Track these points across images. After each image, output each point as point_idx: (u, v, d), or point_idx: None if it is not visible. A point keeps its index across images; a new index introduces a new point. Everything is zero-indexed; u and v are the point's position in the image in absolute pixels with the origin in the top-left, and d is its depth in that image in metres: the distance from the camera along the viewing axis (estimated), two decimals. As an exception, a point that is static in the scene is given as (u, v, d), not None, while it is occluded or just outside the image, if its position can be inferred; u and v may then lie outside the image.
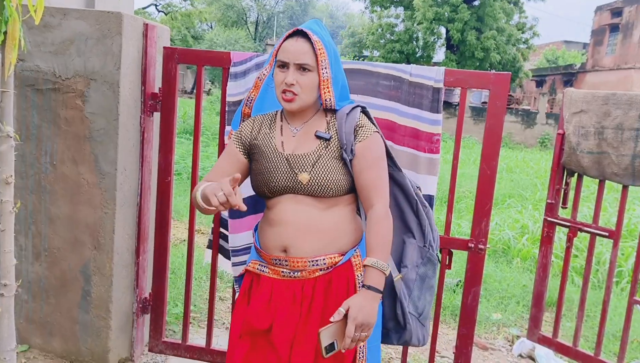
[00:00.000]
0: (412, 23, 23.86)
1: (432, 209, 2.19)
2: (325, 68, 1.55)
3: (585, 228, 2.84)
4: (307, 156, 1.58)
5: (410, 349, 3.05)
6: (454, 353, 2.36)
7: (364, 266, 1.51)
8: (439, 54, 25.72)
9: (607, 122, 2.65)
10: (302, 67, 1.54)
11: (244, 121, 1.79)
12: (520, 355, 3.18)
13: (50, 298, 2.48)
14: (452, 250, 2.29)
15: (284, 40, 1.57)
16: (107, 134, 2.30)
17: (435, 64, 25.23)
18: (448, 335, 3.38)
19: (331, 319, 1.42)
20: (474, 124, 20.82)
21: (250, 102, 1.73)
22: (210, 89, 26.32)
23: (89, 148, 2.32)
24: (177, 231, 4.95)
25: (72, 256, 2.42)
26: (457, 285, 4.15)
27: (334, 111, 1.64)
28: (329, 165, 1.57)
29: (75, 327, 2.47)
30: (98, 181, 2.34)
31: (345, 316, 1.43)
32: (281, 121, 1.67)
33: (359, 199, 1.65)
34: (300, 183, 1.56)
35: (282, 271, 1.60)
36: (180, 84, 2.43)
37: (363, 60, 26.15)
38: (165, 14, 26.83)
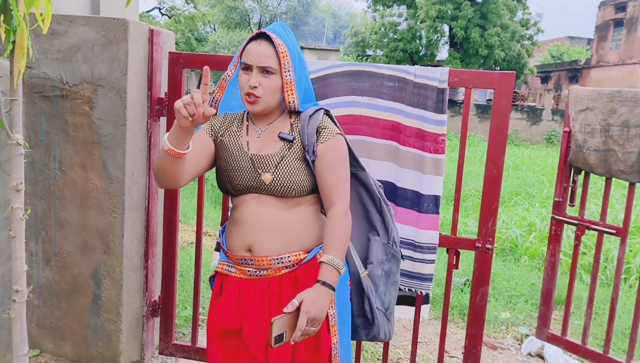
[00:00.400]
0: (415, 21, 23.79)
1: (438, 209, 2.19)
2: (289, 71, 1.57)
3: (593, 226, 2.83)
4: (270, 157, 1.60)
5: (419, 349, 3.05)
6: (462, 353, 2.36)
7: (320, 262, 1.53)
8: (443, 52, 25.65)
9: (612, 120, 2.64)
10: (265, 70, 1.55)
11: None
12: (530, 354, 3.18)
13: (61, 302, 2.50)
14: (459, 249, 2.29)
15: (248, 43, 1.59)
16: (115, 139, 2.32)
17: (439, 62, 25.16)
18: (456, 335, 3.38)
19: (284, 310, 1.44)
20: (479, 121, 20.75)
21: (215, 103, 1.74)
22: (214, 91, 26.30)
23: (97, 153, 2.34)
24: (185, 234, 4.97)
25: (82, 260, 2.44)
26: (464, 285, 4.15)
27: (298, 113, 1.66)
28: (292, 166, 1.59)
29: (86, 330, 2.49)
30: (107, 185, 2.36)
31: (298, 309, 1.45)
32: (247, 121, 1.69)
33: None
34: (264, 183, 1.59)
35: (249, 271, 1.62)
36: (184, 87, 2.45)
37: (366, 59, 26.13)
38: (169, 17, 26.89)
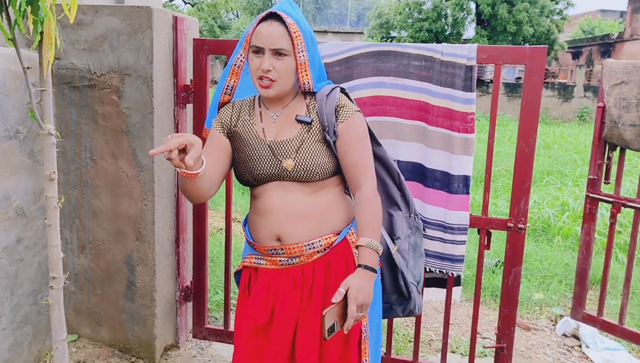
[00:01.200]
0: (440, 0, 23.33)
1: (468, 190, 2.16)
2: (302, 51, 1.50)
3: (629, 203, 2.76)
4: (289, 142, 1.54)
5: (451, 331, 3.03)
6: (495, 334, 2.34)
7: (358, 246, 1.50)
8: (469, 31, 25.11)
9: (650, 93, 2.55)
10: (278, 52, 1.48)
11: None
12: (565, 335, 3.12)
13: (96, 289, 2.56)
14: (490, 230, 2.25)
15: (258, 24, 1.51)
16: (143, 127, 2.34)
17: (466, 41, 24.66)
18: (488, 316, 3.35)
19: (333, 300, 1.40)
20: (508, 101, 20.32)
21: (230, 90, 1.68)
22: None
23: (127, 141, 2.37)
24: (214, 220, 5.02)
25: (116, 247, 2.48)
26: (496, 266, 4.10)
27: (312, 93, 1.60)
28: (312, 149, 1.54)
29: (121, 316, 2.55)
30: (137, 173, 2.39)
31: (345, 297, 1.42)
32: (259, 106, 1.63)
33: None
34: (286, 170, 1.53)
35: (280, 260, 1.58)
36: (209, 73, 2.44)
37: (391, 41, 25.77)
38: (192, 6, 27.01)
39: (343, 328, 1.42)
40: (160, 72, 2.34)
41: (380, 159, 1.76)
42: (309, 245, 1.55)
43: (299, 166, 1.53)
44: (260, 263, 1.63)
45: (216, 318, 3.06)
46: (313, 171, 1.53)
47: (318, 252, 1.57)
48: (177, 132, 2.46)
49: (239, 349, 1.60)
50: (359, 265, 1.48)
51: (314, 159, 1.53)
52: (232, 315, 3.01)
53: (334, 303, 1.40)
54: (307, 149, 1.54)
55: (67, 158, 2.46)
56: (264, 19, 1.51)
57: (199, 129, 2.44)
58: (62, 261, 1.73)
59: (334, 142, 1.56)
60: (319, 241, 1.56)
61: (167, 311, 2.59)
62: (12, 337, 2.29)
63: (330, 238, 1.58)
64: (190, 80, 2.44)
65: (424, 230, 2.21)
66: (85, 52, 2.35)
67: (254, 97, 1.67)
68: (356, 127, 1.57)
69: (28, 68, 1.59)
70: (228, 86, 1.70)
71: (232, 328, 2.63)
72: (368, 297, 1.44)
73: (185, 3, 28.18)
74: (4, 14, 1.52)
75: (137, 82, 2.31)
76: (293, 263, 1.57)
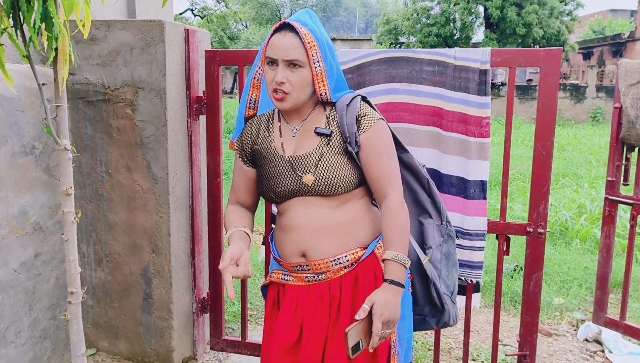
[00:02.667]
0: (448, 4, 23.28)
1: (485, 195, 2.13)
2: (318, 62, 1.45)
3: (650, 205, 2.70)
4: (308, 156, 1.51)
5: (472, 338, 2.99)
6: (517, 341, 2.30)
7: (384, 260, 1.46)
8: (478, 34, 25.04)
9: (668, 92, 2.51)
10: (291, 64, 1.44)
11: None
12: (587, 340, 3.07)
13: (114, 302, 2.56)
14: (509, 235, 2.22)
15: (272, 35, 1.48)
16: (157, 140, 2.35)
17: (475, 44, 24.60)
18: (508, 323, 3.30)
19: (356, 317, 1.37)
20: (520, 103, 20.19)
21: (253, 104, 1.66)
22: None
23: (141, 154, 2.38)
24: (228, 230, 5.01)
25: (132, 260, 2.49)
26: (514, 270, 4.04)
27: (333, 104, 1.55)
28: (333, 162, 1.50)
29: (139, 328, 2.55)
30: (151, 186, 2.39)
31: (370, 313, 1.38)
32: (279, 121, 1.59)
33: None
34: (306, 185, 1.50)
35: (306, 277, 1.55)
36: (221, 84, 2.44)
37: (400, 47, 25.77)
38: (202, 18, 27.26)
39: (368, 347, 1.38)
40: (173, 85, 2.35)
41: (407, 166, 1.71)
42: (334, 260, 1.52)
43: (320, 181, 1.49)
44: (287, 280, 1.59)
45: (233, 330, 3.05)
46: (335, 184, 1.49)
47: (345, 267, 1.53)
48: (191, 143, 2.46)
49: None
50: (385, 280, 1.44)
51: (334, 173, 1.49)
52: (250, 326, 2.99)
53: (357, 320, 1.36)
54: (327, 162, 1.50)
55: (83, 172, 2.47)
56: (277, 29, 1.48)
57: (212, 140, 2.44)
58: (79, 276, 1.73)
59: (357, 153, 1.51)
60: (345, 256, 1.52)
61: (184, 323, 2.58)
62: (31, 352, 2.29)
63: (357, 252, 1.53)
64: (203, 91, 2.45)
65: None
66: (99, 67, 2.36)
67: (273, 111, 1.64)
68: (379, 136, 1.52)
69: (43, 84, 1.60)
70: (250, 100, 1.67)
71: (250, 339, 2.61)
72: (394, 313, 1.40)
73: (195, 15, 28.44)
74: (18, 31, 1.53)
75: (151, 95, 2.32)
76: (319, 279, 1.54)
